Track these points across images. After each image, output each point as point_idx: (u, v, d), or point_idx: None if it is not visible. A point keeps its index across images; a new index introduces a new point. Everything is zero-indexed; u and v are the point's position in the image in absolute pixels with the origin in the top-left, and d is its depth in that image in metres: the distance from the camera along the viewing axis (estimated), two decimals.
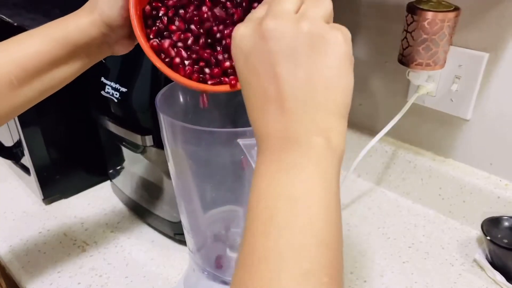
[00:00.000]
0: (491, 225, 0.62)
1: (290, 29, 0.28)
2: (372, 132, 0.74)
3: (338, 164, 0.29)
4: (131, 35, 0.41)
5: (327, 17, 0.29)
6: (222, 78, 0.39)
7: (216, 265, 0.50)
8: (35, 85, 0.40)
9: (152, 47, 0.38)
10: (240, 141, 0.38)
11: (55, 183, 0.74)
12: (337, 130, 0.29)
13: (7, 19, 0.73)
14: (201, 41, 0.39)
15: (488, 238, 0.59)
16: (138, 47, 0.42)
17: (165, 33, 0.39)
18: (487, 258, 0.61)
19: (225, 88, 0.38)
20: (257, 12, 0.30)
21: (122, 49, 0.43)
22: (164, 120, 0.44)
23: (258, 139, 0.30)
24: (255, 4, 0.40)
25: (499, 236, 0.61)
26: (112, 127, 0.61)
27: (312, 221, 0.26)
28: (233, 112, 0.48)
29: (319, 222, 0.26)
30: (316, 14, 0.29)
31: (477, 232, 0.68)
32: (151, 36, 0.39)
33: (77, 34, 0.39)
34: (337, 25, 0.29)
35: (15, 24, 0.71)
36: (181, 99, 0.49)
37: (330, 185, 0.27)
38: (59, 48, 0.39)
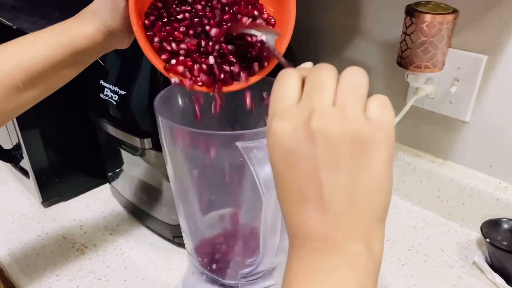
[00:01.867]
0: (491, 227, 0.62)
1: (335, 131, 0.26)
2: None
3: (377, 272, 0.28)
4: (132, 33, 0.41)
5: (365, 99, 0.28)
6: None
7: (215, 268, 0.50)
8: (39, 87, 0.41)
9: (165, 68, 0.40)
10: (239, 144, 0.38)
11: (54, 186, 0.74)
12: (377, 236, 0.28)
13: (6, 22, 0.73)
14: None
15: (488, 240, 0.59)
16: (136, 50, 0.42)
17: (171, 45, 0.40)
18: (486, 261, 0.61)
19: (237, 86, 0.40)
20: (296, 105, 0.28)
21: (124, 46, 0.44)
22: (162, 123, 0.44)
23: (292, 234, 0.29)
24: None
25: (498, 238, 0.61)
26: (111, 130, 0.61)
27: None
28: (232, 114, 0.48)
29: None
30: (357, 108, 0.27)
31: (476, 234, 0.67)
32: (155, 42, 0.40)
33: (82, 41, 0.40)
34: (377, 120, 0.27)
35: (14, 27, 0.71)
36: (180, 102, 0.49)
37: None
38: (65, 53, 0.40)
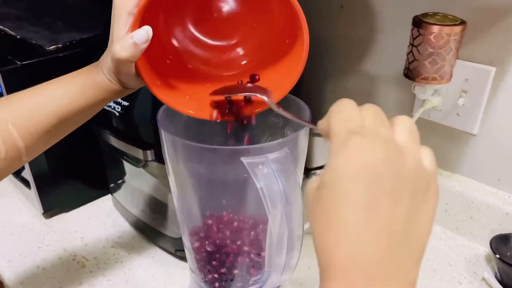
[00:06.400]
0: (500, 242, 0.60)
1: (411, 164, 0.27)
2: None
3: None
4: None
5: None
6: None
7: (218, 286, 0.49)
8: (67, 130, 0.46)
9: None
10: (244, 159, 0.37)
11: (56, 196, 0.73)
12: (416, 278, 0.27)
13: (11, 32, 0.72)
14: None
15: (498, 256, 0.57)
16: None
17: None
18: (496, 277, 0.60)
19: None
20: (366, 127, 0.28)
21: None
22: (165, 137, 0.43)
23: (332, 268, 0.26)
24: None
25: (508, 254, 0.59)
26: (114, 141, 0.61)
27: None
28: (237, 128, 0.48)
29: None
30: (419, 151, 0.28)
31: (485, 249, 0.66)
32: None
33: (111, 95, 0.44)
34: (431, 170, 0.28)
35: (18, 37, 0.71)
36: (183, 115, 0.48)
37: None
38: (95, 103, 0.44)
